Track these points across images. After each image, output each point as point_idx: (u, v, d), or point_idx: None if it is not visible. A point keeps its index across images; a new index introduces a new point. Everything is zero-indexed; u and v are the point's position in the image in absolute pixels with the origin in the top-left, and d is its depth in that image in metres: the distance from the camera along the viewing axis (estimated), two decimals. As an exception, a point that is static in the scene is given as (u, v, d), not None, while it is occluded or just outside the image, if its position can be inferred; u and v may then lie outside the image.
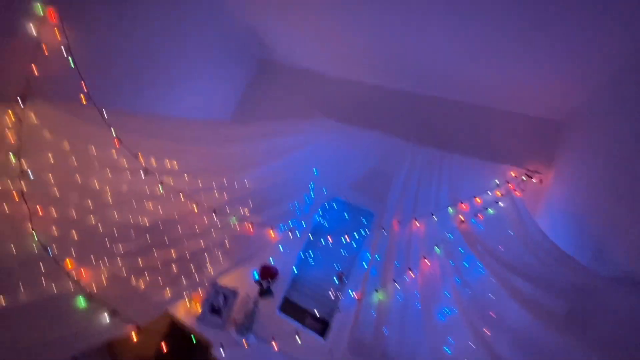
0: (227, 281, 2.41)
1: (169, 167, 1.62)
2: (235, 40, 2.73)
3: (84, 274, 1.08)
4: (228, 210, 1.53)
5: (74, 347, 0.95)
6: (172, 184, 1.42)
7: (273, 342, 1.80)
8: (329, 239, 2.20)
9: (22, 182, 1.31)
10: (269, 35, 2.67)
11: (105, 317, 1.00)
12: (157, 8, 2.09)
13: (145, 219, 1.36)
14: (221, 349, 1.77)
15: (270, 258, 2.39)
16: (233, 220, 1.49)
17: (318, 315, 2.36)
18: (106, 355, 2.04)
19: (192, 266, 1.30)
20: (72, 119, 1.67)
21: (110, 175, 1.55)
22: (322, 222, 2.48)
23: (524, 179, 1.80)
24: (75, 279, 1.05)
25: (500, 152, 2.04)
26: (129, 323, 1.03)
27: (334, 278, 2.29)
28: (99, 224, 1.28)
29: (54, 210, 1.31)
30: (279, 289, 2.36)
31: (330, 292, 2.14)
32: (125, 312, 1.05)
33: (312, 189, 2.22)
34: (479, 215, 1.57)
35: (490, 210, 1.60)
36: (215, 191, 1.62)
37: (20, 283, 0.99)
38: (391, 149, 2.13)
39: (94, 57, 1.81)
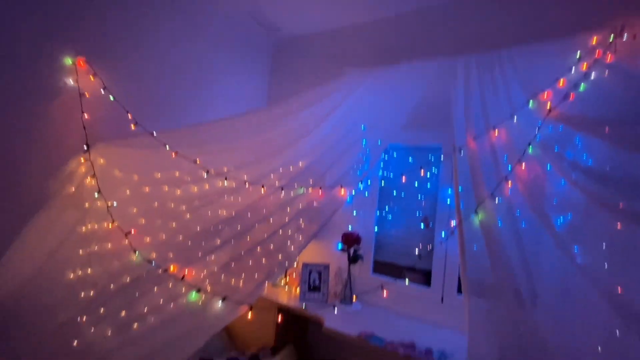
0: (315, 259, 2.44)
1: (225, 164, 1.65)
2: (245, 29, 2.70)
3: (188, 273, 1.13)
4: (295, 185, 1.50)
5: (200, 338, 1.00)
6: (231, 177, 1.44)
7: (384, 291, 1.76)
8: (401, 188, 2.08)
9: (110, 214, 1.43)
10: (273, 12, 2.59)
11: (219, 304, 1.03)
12: (168, 24, 2.14)
13: (223, 213, 1.40)
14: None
15: (349, 226, 2.36)
16: (301, 191, 1.46)
17: (414, 267, 2.27)
18: (230, 347, 2.22)
19: (272, 246, 1.30)
20: (131, 150, 1.78)
21: (179, 189, 1.63)
22: (387, 175, 2.35)
23: (611, 40, 1.47)
24: (182, 279, 1.10)
25: (567, 21, 1.71)
26: (240, 304, 1.06)
27: (421, 224, 2.17)
28: (183, 229, 1.34)
29: (144, 229, 1.40)
30: (367, 252, 2.33)
31: (419, 242, 2.03)
32: (234, 297, 1.08)
33: (365, 145, 2.11)
34: (570, 94, 1.32)
35: (583, 86, 1.33)
36: (272, 175, 1.61)
37: (137, 293, 1.06)
38: (435, 72, 1.91)
39: (130, 89, 1.90)
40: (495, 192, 1.26)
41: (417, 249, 2.08)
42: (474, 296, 1.28)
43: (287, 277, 2.44)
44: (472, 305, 1.16)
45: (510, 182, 1.27)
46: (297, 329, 2.36)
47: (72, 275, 1.32)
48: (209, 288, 1.10)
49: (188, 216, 1.41)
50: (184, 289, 1.09)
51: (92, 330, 1.06)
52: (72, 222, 1.53)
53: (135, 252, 1.24)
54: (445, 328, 1.96)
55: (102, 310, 1.09)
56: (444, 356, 1.61)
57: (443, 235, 1.98)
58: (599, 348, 0.90)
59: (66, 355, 0.99)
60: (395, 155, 2.33)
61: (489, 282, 1.19)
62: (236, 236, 1.35)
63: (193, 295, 1.06)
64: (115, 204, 1.46)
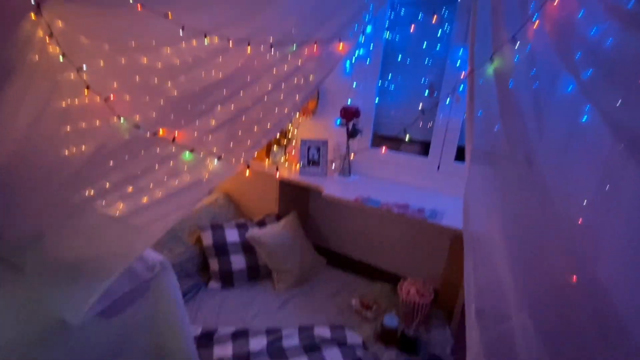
0: (314, 136, 2.41)
1: (203, 21, 1.39)
2: None
3: (179, 135, 1.06)
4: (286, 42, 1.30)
5: (200, 191, 1.01)
6: (213, 35, 1.23)
7: (382, 148, 1.81)
8: (407, 53, 1.84)
9: (83, 79, 1.29)
10: None
11: (214, 162, 1.00)
12: None
13: (211, 75, 1.25)
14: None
15: (349, 100, 2.24)
16: (293, 48, 1.28)
17: (412, 139, 2.26)
18: (238, 216, 2.41)
19: (265, 108, 1.21)
20: (91, 10, 1.51)
21: (160, 61, 1.44)
22: (392, 38, 2.08)
23: None
24: (173, 141, 1.03)
25: None
26: (237, 163, 1.04)
27: (426, 92, 2.04)
28: (170, 92, 1.23)
29: (126, 96, 1.29)
30: (366, 126, 2.27)
31: (421, 110, 1.93)
32: (229, 156, 1.05)
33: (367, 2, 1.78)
34: None
35: None
36: (260, 32, 1.38)
37: (127, 157, 1.02)
38: None
39: None
40: (518, 35, 1.08)
41: (420, 104, 2.00)
42: (476, 161, 1.24)
43: (287, 155, 2.46)
44: (473, 169, 1.12)
45: (537, 22, 1.08)
46: (298, 199, 2.52)
47: (56, 153, 1.27)
48: (202, 149, 1.06)
49: (172, 79, 1.27)
50: (173, 148, 1.05)
51: (91, 193, 1.08)
52: (44, 95, 1.41)
53: (119, 118, 1.16)
54: (440, 193, 2.07)
55: (95, 175, 1.09)
56: (434, 213, 1.73)
57: (448, 102, 1.87)
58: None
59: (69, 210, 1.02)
60: (402, 13, 2.01)
61: (496, 145, 1.14)
62: (227, 99, 1.25)
63: (187, 155, 1.04)
64: (85, 67, 1.30)
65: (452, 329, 1.78)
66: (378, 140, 2.37)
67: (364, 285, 2.09)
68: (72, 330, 0.88)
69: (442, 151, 2.06)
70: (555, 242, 0.65)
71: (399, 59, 2.09)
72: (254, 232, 2.08)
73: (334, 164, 2.36)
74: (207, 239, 2.02)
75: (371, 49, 2.11)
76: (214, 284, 1.97)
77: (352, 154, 2.28)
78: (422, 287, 1.77)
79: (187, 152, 1.03)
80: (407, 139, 1.98)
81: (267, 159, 2.48)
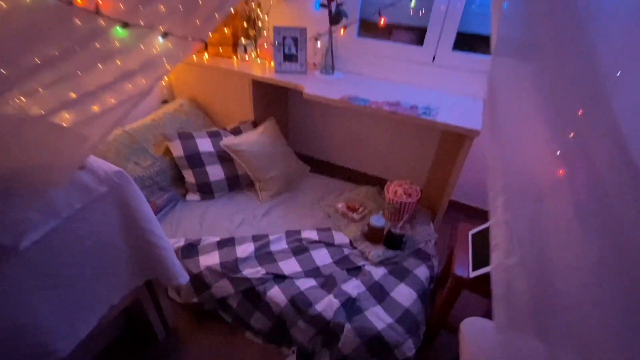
0: (288, 23, 2.02)
1: None
2: None
3: (103, 3, 0.75)
4: None
5: (150, 77, 0.77)
6: None
7: (381, 19, 1.55)
8: None
9: None
10: None
11: (159, 41, 0.73)
12: None
13: None
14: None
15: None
16: None
17: (404, 25, 1.94)
18: (209, 125, 2.17)
19: None
20: None
21: None
22: None
23: None
24: (97, 12, 0.73)
25: None
26: (193, 41, 0.78)
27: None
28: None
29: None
30: (352, 9, 1.90)
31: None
32: (178, 32, 0.78)
33: None
34: None
35: None
36: None
37: (35, 34, 0.73)
38: None
39: None
40: None
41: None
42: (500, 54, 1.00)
43: (258, 50, 2.10)
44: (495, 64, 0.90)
45: None
46: (275, 102, 2.26)
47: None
48: (141, 22, 0.78)
49: None
50: (104, 22, 0.76)
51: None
52: None
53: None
54: (433, 91, 1.88)
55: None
56: (429, 110, 1.57)
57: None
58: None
59: None
60: None
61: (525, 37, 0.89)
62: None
63: (119, 31, 0.76)
64: None
65: (435, 224, 1.82)
66: (366, 26, 2.02)
67: (350, 189, 2.05)
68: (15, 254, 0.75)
69: (439, 39, 1.79)
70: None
71: None
72: (229, 140, 1.88)
73: (314, 62, 2.05)
74: (177, 149, 1.82)
75: None
76: (192, 196, 1.86)
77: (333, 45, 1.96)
78: (409, 188, 1.73)
79: (119, 27, 0.76)
80: (381, 23, 1.67)
81: (234, 57, 2.11)
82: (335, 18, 1.86)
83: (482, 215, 1.84)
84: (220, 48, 2.12)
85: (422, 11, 1.77)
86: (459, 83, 1.85)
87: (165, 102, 2.25)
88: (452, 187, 1.66)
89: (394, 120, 2.10)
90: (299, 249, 1.56)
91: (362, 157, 2.41)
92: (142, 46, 0.77)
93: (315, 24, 1.98)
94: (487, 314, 0.92)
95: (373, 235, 1.62)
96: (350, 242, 1.64)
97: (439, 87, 1.88)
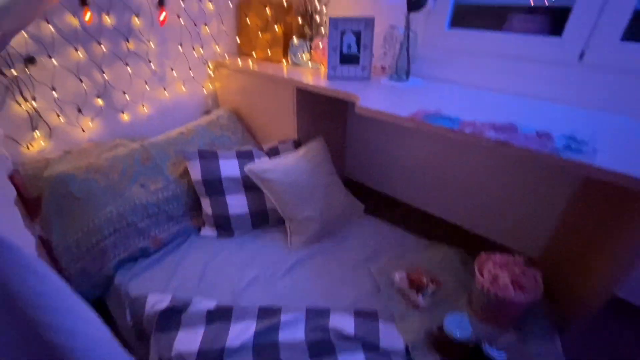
0: (352, 12, 1.53)
1: None
2: None
3: None
4: None
5: None
6: None
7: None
8: None
9: None
10: None
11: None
12: None
13: None
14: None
15: None
16: None
17: (535, 5, 1.25)
18: (245, 142, 1.77)
19: None
20: None
21: None
22: None
23: None
24: None
25: None
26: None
27: None
28: None
29: None
30: (443, -12, 1.30)
31: None
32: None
33: None
34: None
35: None
36: None
37: None
38: None
39: None
40: None
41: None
42: None
43: (312, 51, 1.65)
44: None
45: None
46: (329, 116, 1.76)
47: None
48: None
49: None
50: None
51: None
52: None
53: None
54: (580, 107, 1.13)
55: None
56: (574, 143, 0.86)
57: None
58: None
59: None
60: None
61: None
62: None
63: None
64: None
65: (567, 338, 1.04)
66: (463, 14, 1.39)
67: (418, 247, 1.40)
68: None
69: (595, 22, 1.05)
70: None
71: None
72: (257, 164, 1.45)
73: (382, 64, 1.50)
74: (195, 171, 1.45)
75: None
76: (207, 231, 1.47)
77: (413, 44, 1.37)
78: (519, 271, 1.01)
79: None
80: None
81: (284, 60, 1.70)
82: (416, 3, 1.28)
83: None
84: (269, 50, 1.74)
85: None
86: (631, 97, 1.07)
87: (207, 112, 1.96)
88: (612, 275, 0.90)
89: (502, 155, 1.39)
90: (321, 346, 0.99)
91: (444, 198, 1.72)
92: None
93: (387, 15, 1.44)
94: None
95: (446, 347, 0.95)
96: (407, 349, 1.00)
97: (591, 102, 1.13)
